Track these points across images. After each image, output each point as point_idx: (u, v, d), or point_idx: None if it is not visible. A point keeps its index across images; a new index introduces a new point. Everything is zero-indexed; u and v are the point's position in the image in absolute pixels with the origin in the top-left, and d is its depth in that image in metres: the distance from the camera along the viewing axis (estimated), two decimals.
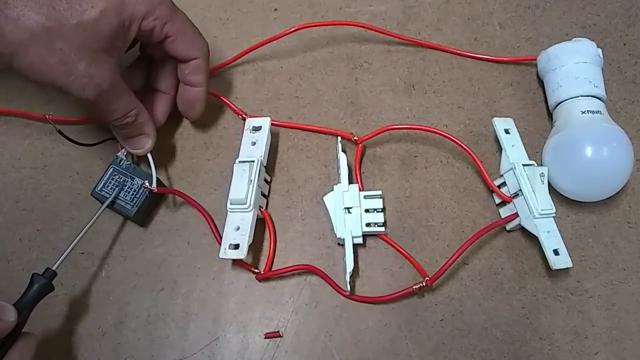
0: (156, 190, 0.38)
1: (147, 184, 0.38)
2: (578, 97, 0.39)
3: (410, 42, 0.46)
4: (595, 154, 0.37)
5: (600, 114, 0.38)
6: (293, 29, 0.43)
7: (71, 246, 0.35)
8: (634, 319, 0.36)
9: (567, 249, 0.36)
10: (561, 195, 0.39)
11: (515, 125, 0.41)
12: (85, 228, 0.36)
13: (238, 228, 0.36)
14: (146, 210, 0.40)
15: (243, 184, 0.37)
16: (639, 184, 0.40)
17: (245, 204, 0.37)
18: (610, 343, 0.36)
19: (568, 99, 0.40)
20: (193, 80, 0.39)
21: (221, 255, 0.36)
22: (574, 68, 0.40)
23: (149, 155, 0.39)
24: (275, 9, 0.49)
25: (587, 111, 0.38)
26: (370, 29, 0.45)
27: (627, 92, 0.44)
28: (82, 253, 0.39)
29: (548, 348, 0.36)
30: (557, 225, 0.37)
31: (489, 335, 0.36)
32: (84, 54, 0.31)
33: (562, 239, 0.36)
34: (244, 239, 0.36)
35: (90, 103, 0.33)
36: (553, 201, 0.37)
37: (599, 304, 0.37)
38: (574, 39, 0.41)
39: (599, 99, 0.39)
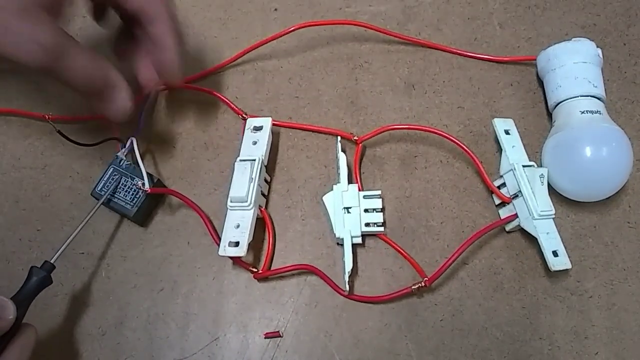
0: (149, 191, 0.38)
1: (140, 184, 0.38)
2: (577, 97, 0.39)
3: (410, 42, 0.46)
4: (595, 154, 0.37)
5: (600, 114, 0.38)
6: (292, 29, 0.43)
7: (70, 239, 0.35)
8: (634, 319, 0.36)
9: (567, 249, 0.36)
10: (561, 195, 0.39)
11: (515, 125, 0.41)
12: (84, 221, 0.36)
13: (238, 226, 0.36)
14: (146, 210, 0.40)
15: (244, 182, 0.37)
16: (639, 184, 0.40)
17: (246, 201, 0.37)
18: (610, 343, 0.36)
19: (567, 99, 0.40)
20: (159, 42, 0.36)
21: (220, 252, 0.36)
22: (574, 68, 0.40)
23: (138, 156, 0.38)
24: (275, 9, 0.49)
25: (587, 111, 0.38)
26: (370, 29, 0.45)
27: (627, 92, 0.44)
28: (82, 253, 0.39)
29: (548, 348, 0.36)
30: (557, 226, 0.37)
31: (489, 335, 0.36)
32: (22, 14, 0.29)
33: (562, 239, 0.36)
34: (244, 236, 0.36)
35: (43, 71, 0.30)
36: (553, 201, 0.37)
37: (599, 304, 0.37)
38: (573, 39, 0.41)
39: (598, 99, 0.39)
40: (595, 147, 0.37)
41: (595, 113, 0.38)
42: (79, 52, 0.32)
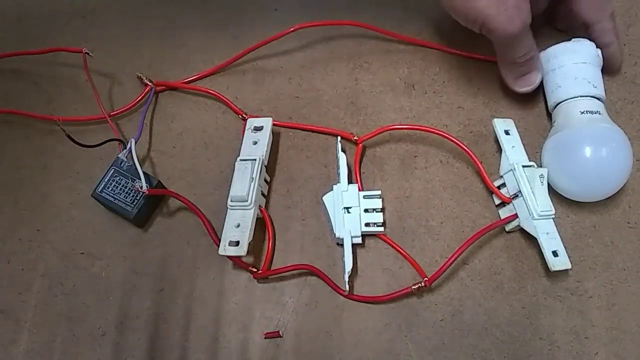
0: (147, 192, 0.37)
1: (138, 186, 0.38)
2: (577, 97, 0.39)
3: (410, 42, 0.46)
4: (594, 154, 0.37)
5: (600, 114, 0.38)
6: (292, 29, 0.43)
7: None
8: (634, 319, 0.36)
9: (567, 249, 0.36)
10: (561, 195, 0.39)
11: (516, 125, 0.41)
12: None
13: (238, 225, 0.36)
14: (146, 211, 0.40)
15: (244, 182, 0.37)
16: (638, 184, 0.40)
17: (247, 201, 0.37)
18: (610, 343, 0.36)
19: (567, 99, 0.39)
20: (602, 43, 0.41)
21: (220, 251, 0.36)
22: (573, 68, 0.40)
23: (135, 158, 0.38)
24: (276, 9, 0.48)
25: (586, 111, 0.38)
26: (370, 29, 0.45)
27: (627, 92, 0.44)
28: (82, 253, 0.39)
29: (548, 348, 0.36)
30: (557, 226, 0.37)
31: (489, 335, 0.36)
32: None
33: (562, 239, 0.36)
34: (244, 236, 0.36)
35: (510, 38, 0.36)
36: (553, 201, 0.37)
37: (599, 304, 0.37)
38: (573, 40, 0.41)
39: (598, 99, 0.39)
40: (594, 148, 0.37)
41: (595, 113, 0.38)
42: (530, 33, 0.38)
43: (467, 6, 0.36)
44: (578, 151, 0.37)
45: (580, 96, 0.39)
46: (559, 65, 0.40)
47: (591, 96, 0.39)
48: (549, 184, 0.38)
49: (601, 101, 0.40)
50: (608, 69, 0.42)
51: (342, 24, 0.46)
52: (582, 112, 0.38)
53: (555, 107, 0.41)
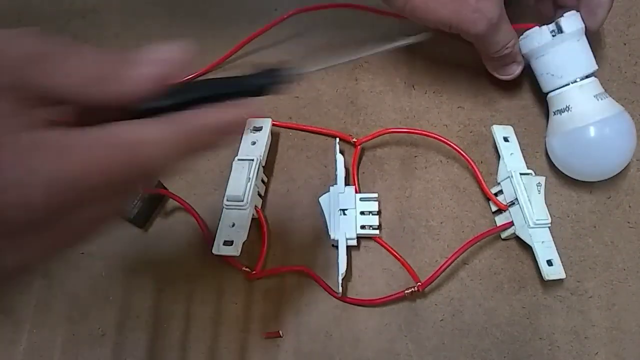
0: (142, 191, 0.38)
1: None
2: (549, 97, 0.39)
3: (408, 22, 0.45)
4: (565, 165, 0.38)
5: (569, 110, 0.37)
6: (286, 16, 0.43)
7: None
8: (634, 319, 0.36)
9: (567, 249, 0.36)
10: (562, 195, 0.39)
11: (514, 127, 0.41)
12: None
13: (233, 225, 0.36)
14: (146, 212, 0.40)
15: (241, 182, 0.37)
16: (638, 183, 0.40)
17: (242, 201, 0.37)
18: (610, 343, 0.36)
19: (548, 99, 0.40)
20: None
21: (214, 250, 0.36)
22: (536, 67, 0.39)
23: None
24: (276, 9, 0.48)
25: (556, 112, 0.38)
26: (367, 10, 0.44)
27: (627, 92, 0.43)
28: (82, 253, 0.39)
29: (548, 348, 0.36)
30: (557, 226, 0.37)
31: (489, 335, 0.36)
32: None
33: (562, 238, 0.36)
34: (239, 236, 0.36)
35: (478, 38, 0.36)
36: (554, 201, 0.36)
37: (599, 304, 0.37)
38: (522, 36, 0.39)
39: (569, 85, 0.37)
40: (562, 157, 0.38)
41: (564, 111, 0.38)
42: (507, 28, 0.37)
43: (430, 17, 0.36)
44: (558, 160, 0.39)
45: (550, 94, 0.39)
46: (533, 70, 0.40)
47: (561, 87, 0.38)
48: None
49: (576, 83, 0.37)
50: (587, 19, 0.37)
51: (337, 7, 0.44)
52: (555, 113, 0.39)
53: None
